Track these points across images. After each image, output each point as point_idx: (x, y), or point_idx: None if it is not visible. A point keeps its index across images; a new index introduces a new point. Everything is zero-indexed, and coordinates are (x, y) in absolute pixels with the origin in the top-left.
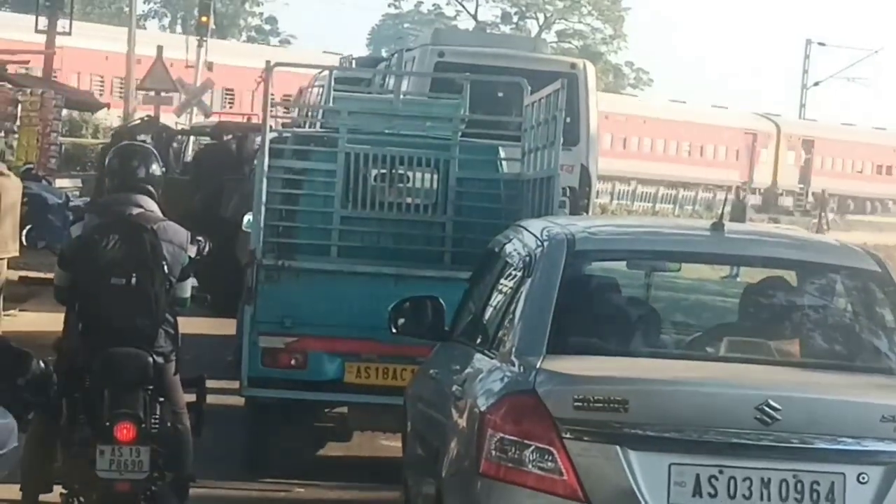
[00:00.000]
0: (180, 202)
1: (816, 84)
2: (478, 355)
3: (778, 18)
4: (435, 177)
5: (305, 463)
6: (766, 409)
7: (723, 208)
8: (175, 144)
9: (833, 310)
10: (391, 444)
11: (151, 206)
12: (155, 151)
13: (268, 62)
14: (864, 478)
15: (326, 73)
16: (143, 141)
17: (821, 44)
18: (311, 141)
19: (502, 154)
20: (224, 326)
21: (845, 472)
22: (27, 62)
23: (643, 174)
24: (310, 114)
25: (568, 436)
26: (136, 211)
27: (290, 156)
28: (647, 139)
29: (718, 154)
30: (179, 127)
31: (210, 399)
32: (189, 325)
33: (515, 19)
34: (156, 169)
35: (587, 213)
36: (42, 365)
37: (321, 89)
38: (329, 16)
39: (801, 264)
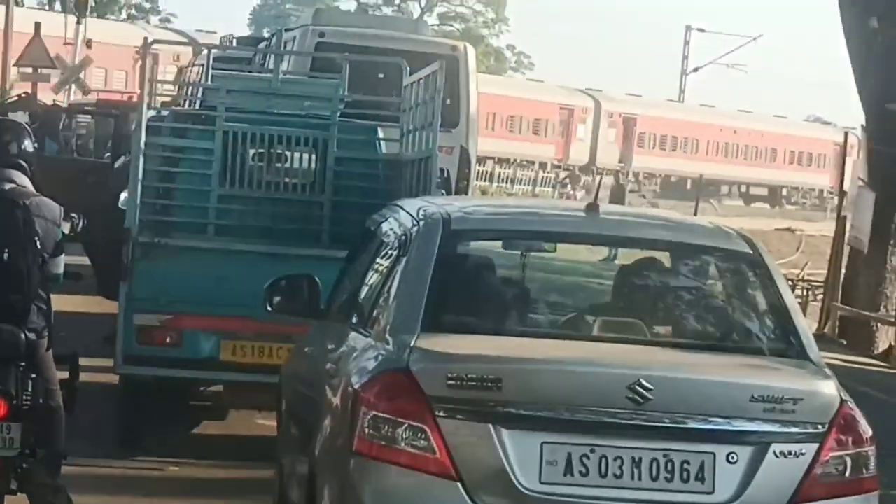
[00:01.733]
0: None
1: (696, 70)
2: (353, 333)
3: (659, 5)
4: (313, 156)
5: (180, 441)
6: (638, 388)
7: (597, 190)
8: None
9: (705, 291)
10: (266, 423)
11: (24, 181)
12: (28, 127)
13: (145, 39)
14: (733, 457)
15: (206, 51)
16: (28, 122)
17: (700, 30)
18: (190, 119)
19: (381, 134)
20: (103, 304)
21: (715, 451)
22: None
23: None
24: (189, 92)
25: (441, 414)
26: (8, 186)
27: (168, 134)
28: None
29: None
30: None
31: (84, 376)
32: (67, 302)
33: (398, 1)
34: (28, 145)
35: (467, 194)
36: None
37: (201, 68)
38: None
39: (675, 245)
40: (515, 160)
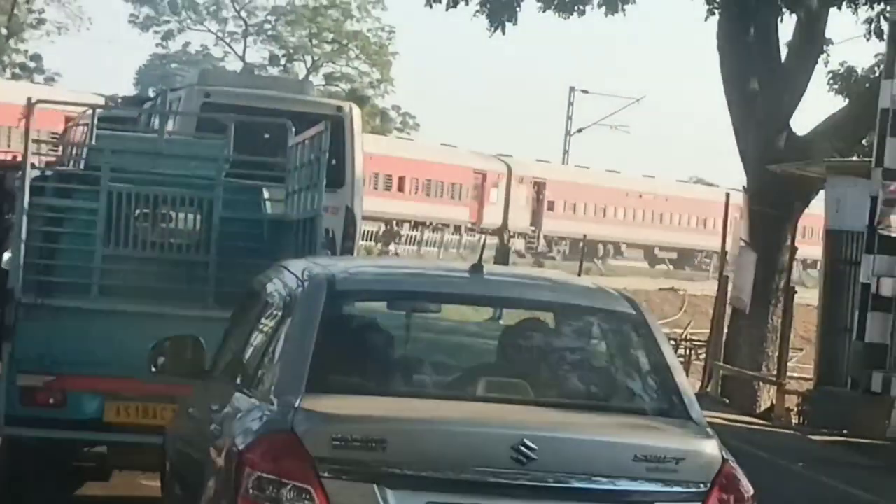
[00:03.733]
0: None
1: (580, 130)
2: (237, 394)
3: (543, 67)
4: (198, 217)
5: (63, 502)
6: (522, 448)
7: (481, 251)
8: None
9: (589, 351)
10: (150, 484)
11: None
12: None
13: (29, 99)
14: None
15: (91, 111)
16: None
17: (584, 91)
18: (74, 179)
19: (266, 195)
20: None
21: None
22: None
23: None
24: (73, 152)
25: (326, 475)
26: None
27: (52, 194)
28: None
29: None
30: None
31: None
32: None
33: (283, 62)
34: None
35: (352, 254)
36: None
37: (86, 128)
38: (96, 54)
39: (559, 306)
40: None
